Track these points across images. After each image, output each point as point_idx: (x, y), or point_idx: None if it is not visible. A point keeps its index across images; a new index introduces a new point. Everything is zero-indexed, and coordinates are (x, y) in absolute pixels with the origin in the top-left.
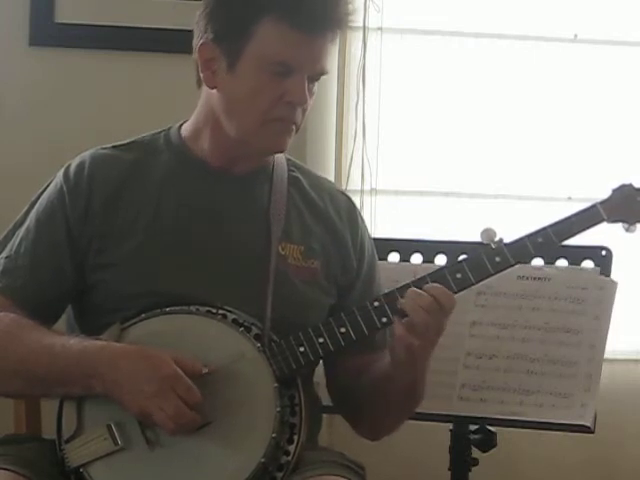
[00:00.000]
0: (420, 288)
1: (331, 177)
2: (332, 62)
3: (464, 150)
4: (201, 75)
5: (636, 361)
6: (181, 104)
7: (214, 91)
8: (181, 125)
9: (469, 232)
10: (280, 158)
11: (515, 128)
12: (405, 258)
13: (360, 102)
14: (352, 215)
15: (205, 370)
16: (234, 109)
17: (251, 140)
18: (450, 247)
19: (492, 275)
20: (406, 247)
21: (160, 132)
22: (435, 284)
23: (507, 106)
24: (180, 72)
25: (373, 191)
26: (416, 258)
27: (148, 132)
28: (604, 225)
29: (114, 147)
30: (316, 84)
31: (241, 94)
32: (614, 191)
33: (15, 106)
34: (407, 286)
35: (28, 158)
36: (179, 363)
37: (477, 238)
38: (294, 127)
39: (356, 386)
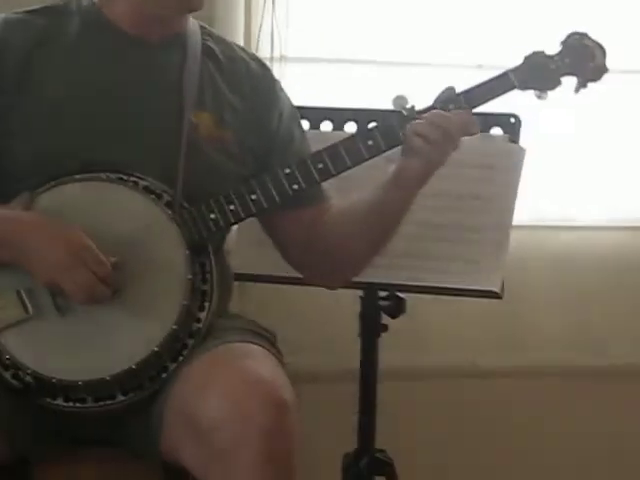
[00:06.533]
0: (332, 156)
1: (240, 44)
2: None
3: (374, 17)
4: None
5: (544, 228)
6: None
7: None
8: None
9: (379, 100)
10: (194, 26)
11: None
12: (315, 125)
13: None
14: (269, 83)
15: (114, 260)
16: None
17: None
18: (360, 114)
19: (403, 142)
20: (316, 115)
21: None
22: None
23: None
24: None
25: (283, 58)
26: (326, 125)
27: None
28: (515, 93)
29: (26, 12)
30: None
31: None
32: (526, 58)
33: None
34: (319, 153)
35: None
36: None
37: (387, 106)
38: None
39: (315, 237)
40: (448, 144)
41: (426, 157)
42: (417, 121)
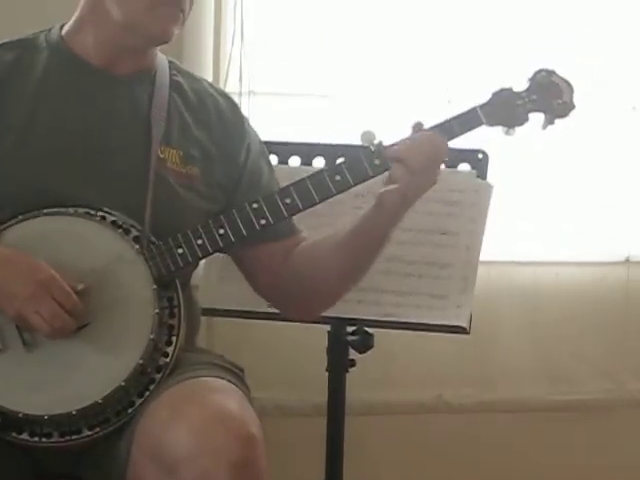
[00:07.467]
0: (300, 191)
1: (209, 79)
2: None
3: (344, 53)
4: None
5: (512, 263)
6: None
7: None
8: (63, 25)
9: (348, 135)
10: (162, 61)
11: (393, 31)
12: (284, 160)
13: (238, 1)
14: (237, 119)
15: (81, 286)
16: None
17: (138, 25)
18: (328, 150)
19: (371, 177)
20: (285, 150)
21: (41, 32)
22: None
23: (387, 11)
24: None
25: (251, 93)
26: (295, 161)
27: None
28: (483, 129)
29: None
30: None
31: None
32: (494, 95)
33: None
34: (287, 188)
35: None
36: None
37: (356, 141)
38: (181, 15)
39: (286, 270)
40: (427, 167)
41: (404, 183)
42: (394, 147)
